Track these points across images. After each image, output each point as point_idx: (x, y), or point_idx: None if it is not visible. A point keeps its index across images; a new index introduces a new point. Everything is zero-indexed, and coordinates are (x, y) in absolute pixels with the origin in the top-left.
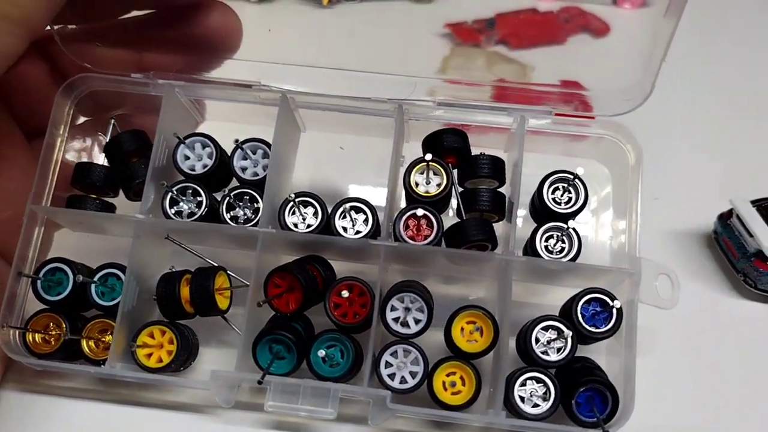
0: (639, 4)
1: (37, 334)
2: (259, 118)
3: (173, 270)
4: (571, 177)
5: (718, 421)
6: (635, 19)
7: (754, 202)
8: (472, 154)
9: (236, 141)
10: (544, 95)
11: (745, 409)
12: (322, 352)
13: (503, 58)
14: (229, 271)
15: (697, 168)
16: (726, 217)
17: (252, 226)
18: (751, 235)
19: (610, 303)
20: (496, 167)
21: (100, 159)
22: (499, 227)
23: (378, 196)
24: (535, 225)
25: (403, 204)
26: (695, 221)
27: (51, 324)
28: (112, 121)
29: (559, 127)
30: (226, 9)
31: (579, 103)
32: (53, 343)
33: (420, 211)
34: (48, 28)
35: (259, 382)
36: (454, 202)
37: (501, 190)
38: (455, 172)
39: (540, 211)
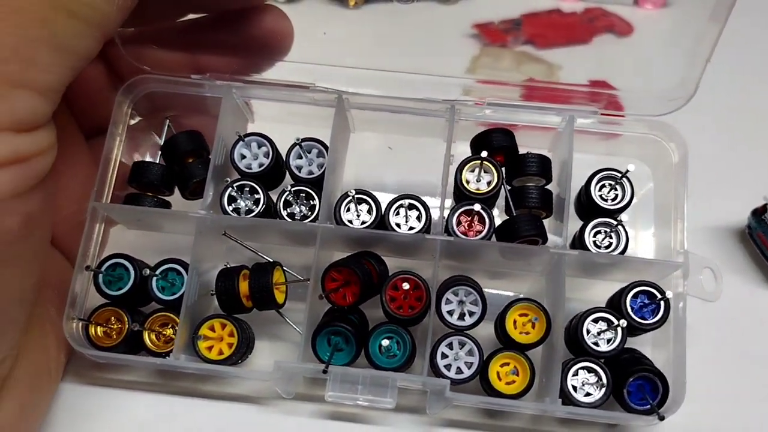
0: (660, 4)
1: (99, 327)
2: (307, 119)
3: (228, 266)
4: (619, 175)
5: (757, 410)
6: (658, 18)
7: None
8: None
9: (297, 138)
10: (572, 94)
11: None
12: (386, 342)
13: (531, 58)
14: (284, 267)
15: (731, 164)
16: (760, 213)
17: (310, 221)
18: None
19: (659, 295)
20: (543, 165)
21: (151, 159)
22: (546, 224)
23: (425, 193)
24: (581, 221)
25: (449, 202)
26: (729, 217)
27: (112, 318)
28: (167, 121)
29: (604, 126)
30: (279, 12)
31: (608, 103)
32: (114, 336)
33: (476, 207)
34: None
35: (324, 371)
36: (499, 201)
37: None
38: (503, 169)
39: (586, 208)
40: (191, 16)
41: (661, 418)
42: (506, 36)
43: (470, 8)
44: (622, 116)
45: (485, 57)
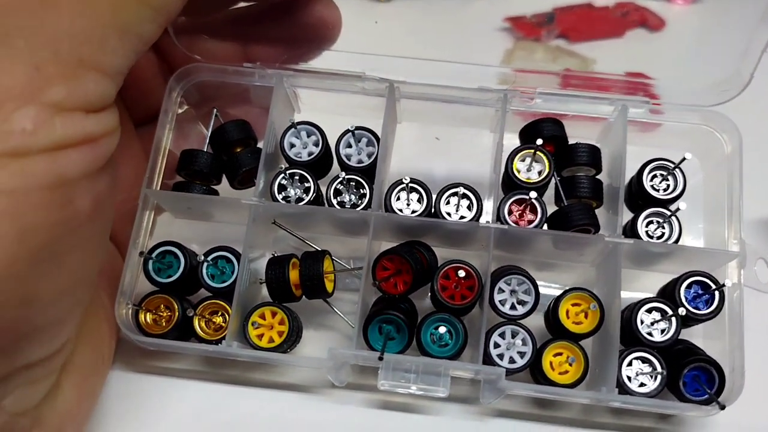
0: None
1: (149, 314)
2: (353, 110)
3: (276, 255)
4: (671, 165)
5: None
6: (688, 14)
7: None
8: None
9: (351, 126)
10: (616, 84)
11: None
12: (442, 329)
13: (565, 52)
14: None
15: None
16: None
17: (362, 209)
18: None
19: (713, 285)
20: (593, 155)
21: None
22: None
23: (475, 182)
24: (631, 212)
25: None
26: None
27: (162, 305)
28: (215, 110)
29: (655, 116)
30: (328, 1)
31: (644, 94)
32: (164, 324)
33: (531, 195)
34: None
35: (380, 358)
36: (548, 192)
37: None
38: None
39: (637, 198)
40: (242, 4)
41: (722, 407)
42: (539, 30)
43: (502, 2)
44: (674, 106)
45: (519, 50)
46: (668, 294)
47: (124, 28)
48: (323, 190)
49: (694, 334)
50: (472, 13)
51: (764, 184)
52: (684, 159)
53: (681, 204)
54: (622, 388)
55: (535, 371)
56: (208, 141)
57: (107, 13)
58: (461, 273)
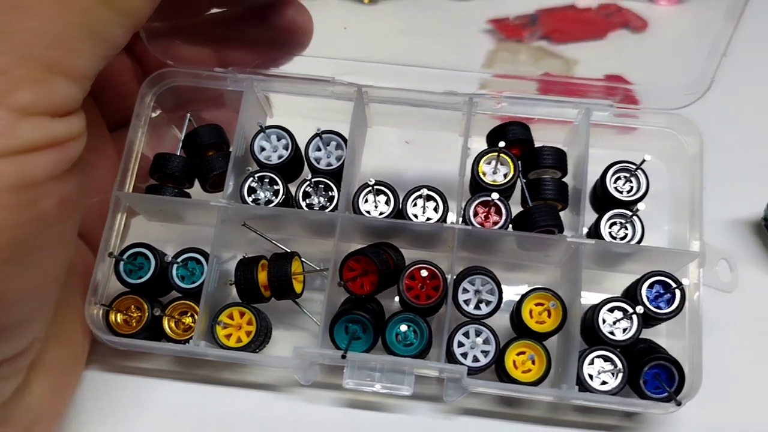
0: (676, 1)
1: (119, 315)
2: (324, 114)
3: (247, 256)
4: (634, 167)
5: None
6: (673, 14)
7: None
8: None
9: (318, 129)
10: (589, 88)
11: None
12: (404, 327)
13: (547, 53)
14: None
15: (747, 157)
16: None
17: (329, 211)
18: None
19: (673, 285)
20: (559, 158)
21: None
22: (563, 215)
23: (442, 185)
24: (596, 213)
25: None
26: (745, 209)
27: (132, 306)
28: (188, 115)
29: (619, 120)
30: (300, 6)
31: (624, 97)
32: (134, 324)
33: (493, 197)
34: None
35: (343, 356)
36: (516, 194)
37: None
38: (519, 163)
39: (601, 200)
40: (215, 10)
41: (678, 404)
42: (522, 31)
43: (486, 4)
44: (637, 109)
45: (502, 52)
46: (631, 294)
47: (93, 33)
48: (294, 193)
49: (659, 334)
50: (455, 16)
51: (729, 185)
52: (644, 161)
53: (640, 205)
54: (584, 386)
55: (499, 370)
56: (181, 145)
57: (76, 17)
58: (423, 273)
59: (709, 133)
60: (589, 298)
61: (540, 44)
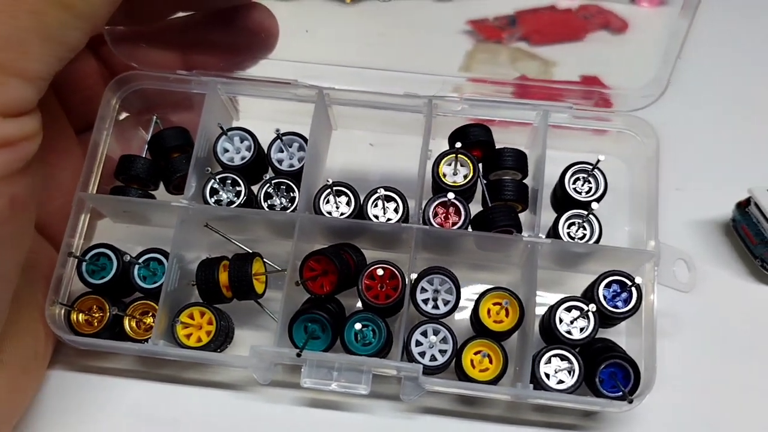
0: (657, 2)
1: (81, 315)
2: (291, 117)
3: (210, 257)
4: (590, 167)
5: (737, 399)
6: (652, 16)
7: None
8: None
9: (277, 130)
10: (565, 92)
11: (764, 387)
12: (358, 325)
13: (526, 54)
14: (264, 258)
15: (717, 159)
16: (744, 205)
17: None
18: None
19: (629, 283)
20: (519, 159)
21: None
22: (522, 218)
23: (405, 187)
24: (557, 214)
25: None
26: (714, 211)
27: (94, 306)
28: (155, 117)
29: (578, 121)
30: (265, 10)
31: (599, 99)
32: (96, 324)
33: (450, 198)
34: None
35: (298, 355)
36: (479, 196)
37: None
38: (480, 165)
39: (561, 201)
40: (180, 14)
41: (630, 402)
42: (501, 33)
43: (465, 5)
44: (595, 111)
45: (480, 53)
46: (589, 294)
47: (47, 35)
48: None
49: (620, 334)
50: (434, 17)
51: (699, 187)
52: (599, 161)
53: (594, 204)
54: (540, 385)
55: (457, 369)
56: (147, 147)
57: (27, 19)
58: (380, 272)
59: (682, 135)
60: (549, 299)
61: (519, 46)
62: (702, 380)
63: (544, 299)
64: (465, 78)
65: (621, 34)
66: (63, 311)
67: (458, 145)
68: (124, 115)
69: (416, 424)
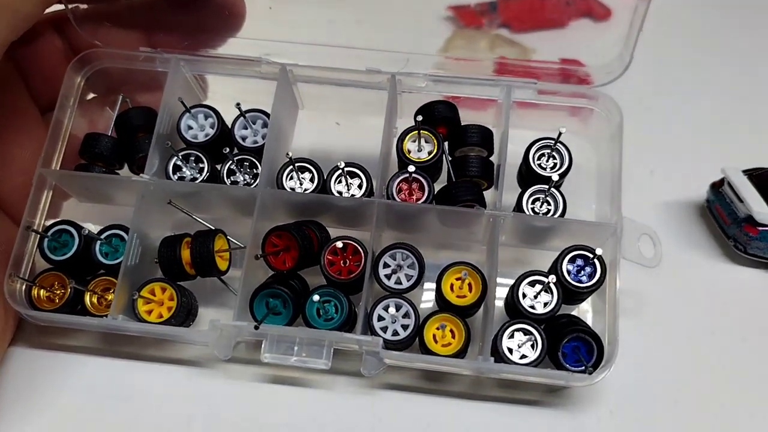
0: None
1: (42, 290)
2: (259, 96)
3: (173, 234)
4: (553, 141)
5: (703, 379)
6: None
7: (744, 172)
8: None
9: (237, 105)
10: (542, 72)
11: (732, 364)
12: (317, 297)
13: (505, 41)
14: (227, 235)
15: (692, 142)
16: (718, 186)
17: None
18: (741, 201)
19: (591, 257)
20: (484, 136)
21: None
22: (488, 195)
23: (372, 166)
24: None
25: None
26: (689, 192)
27: (56, 283)
28: (121, 96)
29: (543, 97)
30: None
31: (576, 80)
32: (57, 301)
33: (412, 171)
34: (62, 7)
35: (256, 327)
36: (446, 176)
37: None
38: (446, 143)
39: (527, 178)
40: None
41: (590, 373)
42: (481, 18)
43: None
44: (559, 88)
45: (459, 39)
46: (553, 270)
47: None
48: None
49: (586, 312)
50: (414, 2)
51: (674, 167)
52: (561, 133)
53: (554, 176)
54: (503, 360)
55: (420, 345)
56: (112, 126)
57: None
58: (339, 245)
59: (656, 117)
60: (517, 273)
61: (499, 32)
62: (670, 359)
63: (510, 278)
64: (441, 57)
65: (604, 22)
66: (24, 287)
67: (419, 118)
68: (91, 96)
69: (378, 399)
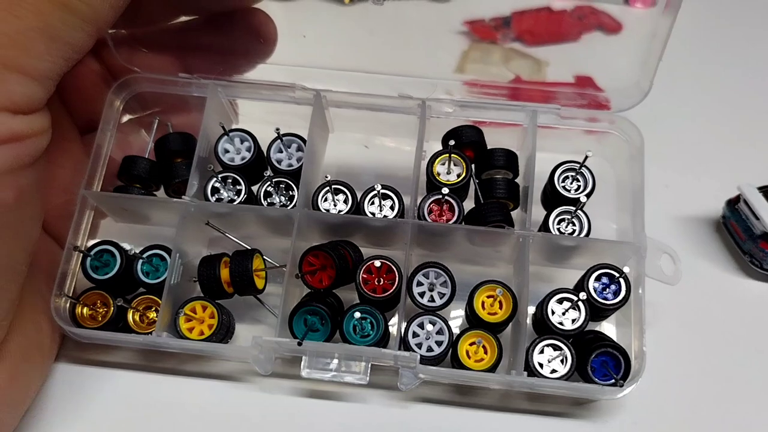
0: (650, 3)
1: (85, 308)
2: (289, 119)
3: (210, 254)
4: (578, 165)
5: (721, 391)
6: (646, 17)
7: (760, 189)
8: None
9: (277, 130)
10: (557, 94)
11: (748, 375)
12: (358, 314)
13: (519, 54)
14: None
15: (707, 158)
16: (734, 202)
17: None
18: (757, 218)
19: (617, 275)
20: (509, 159)
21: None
22: (513, 216)
23: (399, 187)
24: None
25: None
26: (705, 207)
27: (98, 301)
28: (156, 120)
29: (565, 122)
30: (264, 16)
31: (591, 101)
32: (100, 319)
33: (444, 193)
34: None
35: (299, 343)
36: (471, 196)
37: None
38: (473, 165)
39: (551, 199)
40: (180, 19)
41: (620, 385)
42: (496, 33)
43: (462, 5)
44: (580, 111)
45: (474, 52)
46: (579, 287)
47: (51, 35)
48: (256, 192)
49: (609, 329)
50: (430, 18)
51: (690, 184)
52: (587, 157)
53: (582, 198)
54: (533, 374)
55: (453, 360)
56: (150, 148)
57: (31, 20)
58: (377, 263)
59: (671, 133)
60: (541, 294)
61: (513, 46)
62: (689, 371)
63: (536, 294)
64: (459, 81)
65: (615, 35)
66: (68, 305)
67: (452, 143)
68: (126, 118)
69: (411, 412)
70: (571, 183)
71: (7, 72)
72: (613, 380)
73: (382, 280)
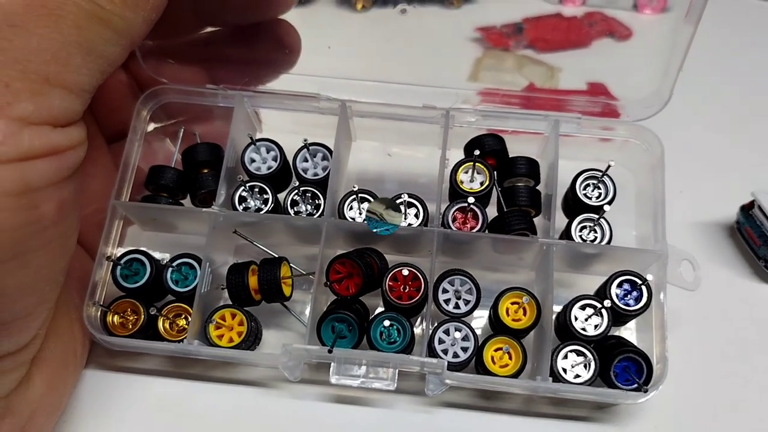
0: (660, 9)
1: (116, 316)
2: (311, 128)
3: (237, 262)
4: (600, 173)
5: (740, 395)
6: (656, 23)
7: None
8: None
9: (305, 140)
10: (573, 102)
11: (765, 379)
12: (387, 322)
13: (532, 61)
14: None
15: (721, 163)
16: (748, 208)
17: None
18: None
19: (639, 282)
20: (531, 167)
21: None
22: (535, 222)
23: (422, 195)
24: (568, 219)
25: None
26: (719, 213)
27: (128, 309)
28: (182, 129)
29: (585, 130)
30: (289, 26)
31: (605, 109)
32: (130, 327)
33: (470, 202)
34: None
35: (330, 351)
36: (493, 203)
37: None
38: (495, 173)
39: (573, 206)
40: (206, 30)
41: (645, 391)
42: (508, 40)
43: (474, 12)
44: (603, 121)
45: (488, 59)
46: (602, 294)
47: (89, 49)
48: (282, 201)
49: (631, 334)
50: (444, 25)
51: (704, 190)
52: (609, 166)
53: (606, 206)
54: (557, 379)
55: (478, 366)
56: (177, 158)
57: (72, 34)
58: (405, 272)
59: (685, 139)
60: (563, 299)
61: (525, 53)
62: (706, 376)
63: (558, 300)
64: (476, 90)
65: (625, 41)
66: (99, 313)
67: (477, 152)
68: (151, 126)
69: (437, 417)
70: (593, 191)
71: (49, 87)
72: (636, 385)
73: (407, 287)
